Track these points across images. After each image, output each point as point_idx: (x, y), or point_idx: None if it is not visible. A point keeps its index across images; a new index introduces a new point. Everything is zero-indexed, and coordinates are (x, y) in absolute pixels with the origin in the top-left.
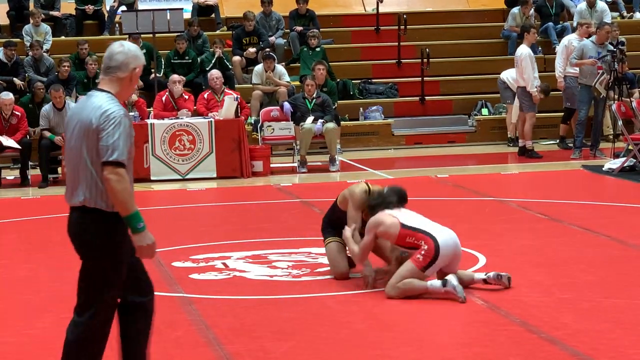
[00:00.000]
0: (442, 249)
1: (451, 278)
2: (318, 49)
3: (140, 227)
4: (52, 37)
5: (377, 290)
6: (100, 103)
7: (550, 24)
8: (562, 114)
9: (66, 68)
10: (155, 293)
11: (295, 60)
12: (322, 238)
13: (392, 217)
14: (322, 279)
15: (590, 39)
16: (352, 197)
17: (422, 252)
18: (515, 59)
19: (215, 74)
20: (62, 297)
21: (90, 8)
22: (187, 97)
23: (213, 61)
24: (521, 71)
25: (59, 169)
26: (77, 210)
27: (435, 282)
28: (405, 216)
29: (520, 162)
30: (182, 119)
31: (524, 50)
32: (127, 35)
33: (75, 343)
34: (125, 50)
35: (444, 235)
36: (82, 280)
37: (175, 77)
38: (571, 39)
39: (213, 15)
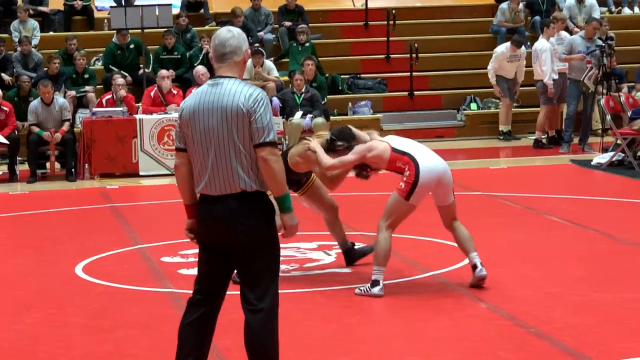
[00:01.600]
0: (422, 175)
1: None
2: (307, 45)
3: (291, 207)
4: (41, 32)
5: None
6: (241, 88)
7: (538, 17)
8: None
9: (56, 65)
10: (144, 288)
11: (284, 55)
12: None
13: (382, 142)
14: (311, 274)
15: (579, 34)
16: (313, 154)
17: (404, 179)
18: (533, 53)
19: (201, 70)
20: (51, 293)
21: (78, 3)
22: (175, 92)
23: (201, 57)
24: (540, 64)
25: (47, 164)
26: (232, 197)
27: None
28: (394, 140)
29: (509, 157)
30: (170, 114)
31: (544, 44)
32: (116, 31)
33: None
34: (235, 34)
35: (427, 161)
36: (253, 267)
37: (163, 72)
38: (550, 39)
39: (202, 11)
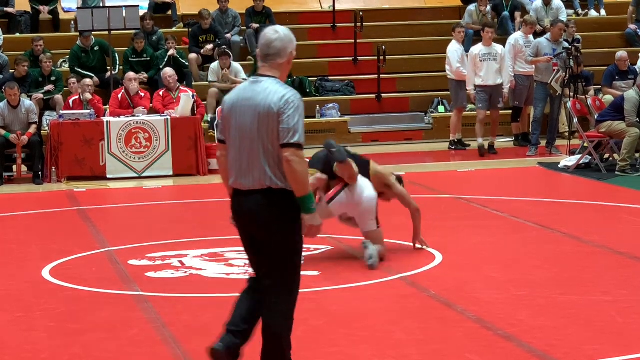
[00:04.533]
0: None
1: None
2: None
3: (314, 208)
4: (7, 34)
5: (335, 288)
6: (276, 88)
7: (506, 13)
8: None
9: (24, 67)
10: (111, 291)
11: (254, 57)
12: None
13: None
14: None
15: (545, 36)
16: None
17: None
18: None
19: (168, 72)
20: (17, 296)
21: (44, 9)
22: (143, 94)
23: (166, 59)
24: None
25: (14, 167)
26: (259, 193)
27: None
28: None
29: (476, 160)
30: (138, 116)
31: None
32: (79, 33)
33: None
34: (281, 36)
35: None
36: (271, 257)
37: (130, 74)
38: (517, 37)
39: (169, 13)
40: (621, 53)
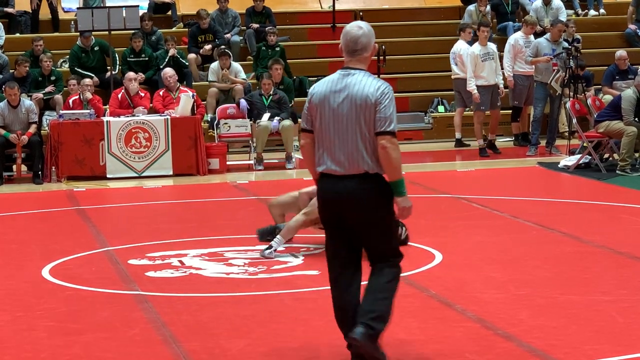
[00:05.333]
0: None
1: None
2: (277, 49)
3: (405, 192)
4: (7, 34)
5: None
6: (369, 80)
7: (510, 23)
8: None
9: (25, 67)
10: (111, 291)
11: (255, 58)
12: None
13: None
14: (278, 277)
15: (544, 36)
16: None
17: None
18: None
19: (168, 72)
20: (17, 295)
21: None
22: (143, 94)
23: (167, 59)
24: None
25: (14, 167)
26: (356, 177)
27: None
28: None
29: (476, 160)
30: (138, 116)
31: (462, 46)
32: (80, 33)
33: (388, 286)
34: (365, 32)
35: None
36: (371, 235)
37: (130, 74)
38: (517, 38)
39: (169, 13)
40: (620, 52)
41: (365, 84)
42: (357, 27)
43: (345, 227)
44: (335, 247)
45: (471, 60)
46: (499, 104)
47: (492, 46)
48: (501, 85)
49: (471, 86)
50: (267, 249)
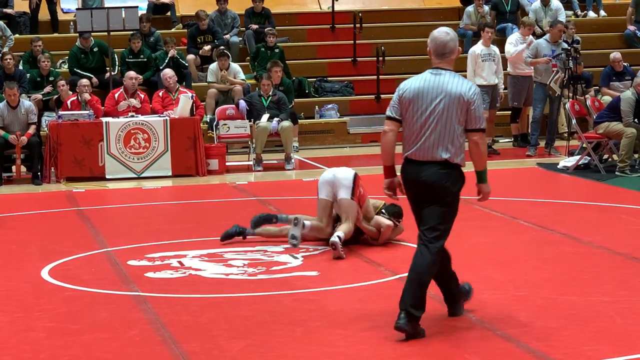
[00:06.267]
0: None
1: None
2: (277, 50)
3: (487, 179)
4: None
5: (334, 288)
6: (460, 80)
7: (509, 24)
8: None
9: (8, 61)
10: (110, 291)
11: (254, 59)
12: None
13: None
14: (277, 277)
15: (544, 37)
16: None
17: None
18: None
19: (168, 73)
20: (17, 296)
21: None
22: (143, 96)
23: (166, 60)
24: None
25: (13, 168)
26: (438, 164)
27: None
28: None
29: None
30: (137, 117)
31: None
32: (79, 34)
33: (429, 265)
34: (452, 37)
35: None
36: (434, 218)
37: (131, 73)
38: (516, 38)
39: (169, 14)
40: (614, 54)
41: (458, 83)
42: (445, 33)
43: (421, 205)
44: (418, 217)
45: (472, 60)
46: (497, 105)
47: (495, 48)
48: (501, 90)
49: None
50: (292, 238)
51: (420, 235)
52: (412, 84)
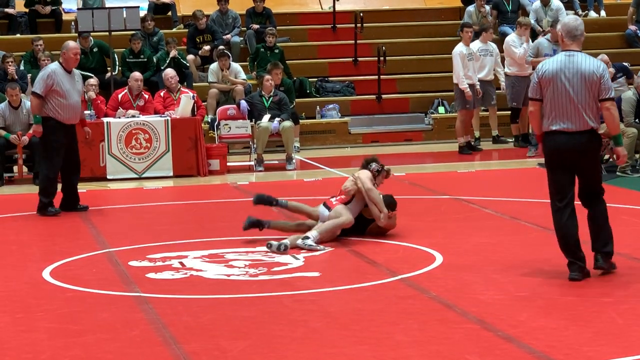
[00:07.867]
0: None
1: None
2: (277, 51)
3: (622, 141)
4: (7, 34)
5: (335, 289)
6: (591, 60)
7: (508, 27)
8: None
9: (9, 63)
10: (112, 292)
11: (253, 59)
12: None
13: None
14: (278, 278)
15: (545, 37)
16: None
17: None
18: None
19: (170, 73)
20: (18, 297)
21: (46, 9)
22: (146, 96)
23: (168, 60)
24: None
25: (15, 168)
26: (586, 133)
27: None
28: None
29: (476, 161)
30: (139, 117)
31: (457, 48)
32: (79, 34)
33: (603, 216)
34: (580, 21)
35: None
36: (591, 176)
37: (137, 74)
38: (513, 38)
39: (170, 14)
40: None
41: (589, 62)
42: (574, 18)
43: (573, 169)
44: (560, 184)
45: (460, 59)
46: (493, 102)
47: (492, 44)
48: (502, 83)
49: (463, 84)
50: (304, 238)
51: (581, 194)
52: (549, 66)
